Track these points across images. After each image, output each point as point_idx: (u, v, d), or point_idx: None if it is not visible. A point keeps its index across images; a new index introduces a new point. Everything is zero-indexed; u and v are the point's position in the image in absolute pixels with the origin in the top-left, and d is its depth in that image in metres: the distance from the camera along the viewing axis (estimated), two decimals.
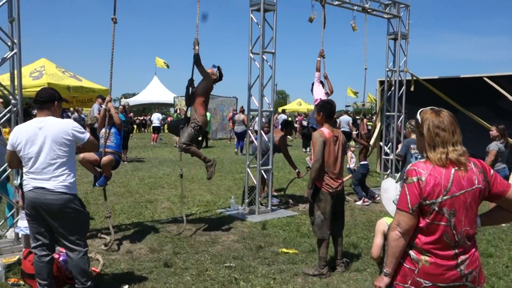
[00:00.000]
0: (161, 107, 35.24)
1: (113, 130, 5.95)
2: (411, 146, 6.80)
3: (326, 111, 4.97)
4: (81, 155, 5.59)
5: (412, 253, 2.38)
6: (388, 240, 2.42)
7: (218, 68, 6.47)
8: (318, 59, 8.11)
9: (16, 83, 5.24)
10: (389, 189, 3.15)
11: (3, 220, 5.56)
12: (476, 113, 9.86)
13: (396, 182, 3.18)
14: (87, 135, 3.96)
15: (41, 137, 3.72)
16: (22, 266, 4.41)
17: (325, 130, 4.87)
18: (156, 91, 32.39)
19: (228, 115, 24.58)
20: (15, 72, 5.26)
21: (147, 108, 41.96)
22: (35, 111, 4.86)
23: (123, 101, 24.97)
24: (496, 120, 8.38)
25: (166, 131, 26.17)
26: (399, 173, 9.88)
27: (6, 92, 5.26)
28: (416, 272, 2.36)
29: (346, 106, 39.44)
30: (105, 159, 5.74)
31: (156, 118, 21.34)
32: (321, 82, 8.17)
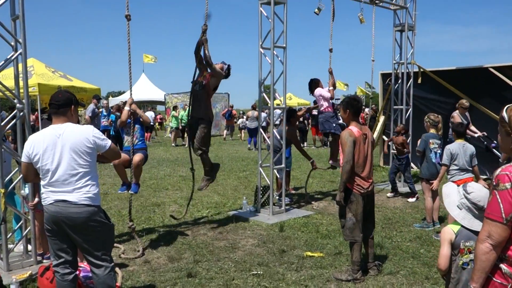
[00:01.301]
0: (150, 104, 34.73)
1: (137, 125, 5.81)
2: (430, 141, 6.60)
3: (353, 108, 4.70)
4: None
5: (503, 266, 2.16)
6: (477, 253, 2.19)
7: (228, 66, 6.43)
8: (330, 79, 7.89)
9: (21, 85, 4.89)
10: (451, 194, 2.94)
11: (11, 233, 5.21)
12: (483, 104, 9.72)
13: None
14: (108, 142, 3.65)
15: (60, 146, 3.41)
16: (38, 284, 4.10)
17: (354, 128, 4.61)
18: (144, 89, 31.74)
19: (222, 112, 24.27)
20: (20, 74, 4.92)
21: None
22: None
23: (112, 100, 24.43)
24: None
25: (158, 127, 25.79)
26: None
27: (10, 95, 4.90)
28: (509, 287, 2.14)
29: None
30: (137, 158, 5.64)
31: (149, 116, 20.89)
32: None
